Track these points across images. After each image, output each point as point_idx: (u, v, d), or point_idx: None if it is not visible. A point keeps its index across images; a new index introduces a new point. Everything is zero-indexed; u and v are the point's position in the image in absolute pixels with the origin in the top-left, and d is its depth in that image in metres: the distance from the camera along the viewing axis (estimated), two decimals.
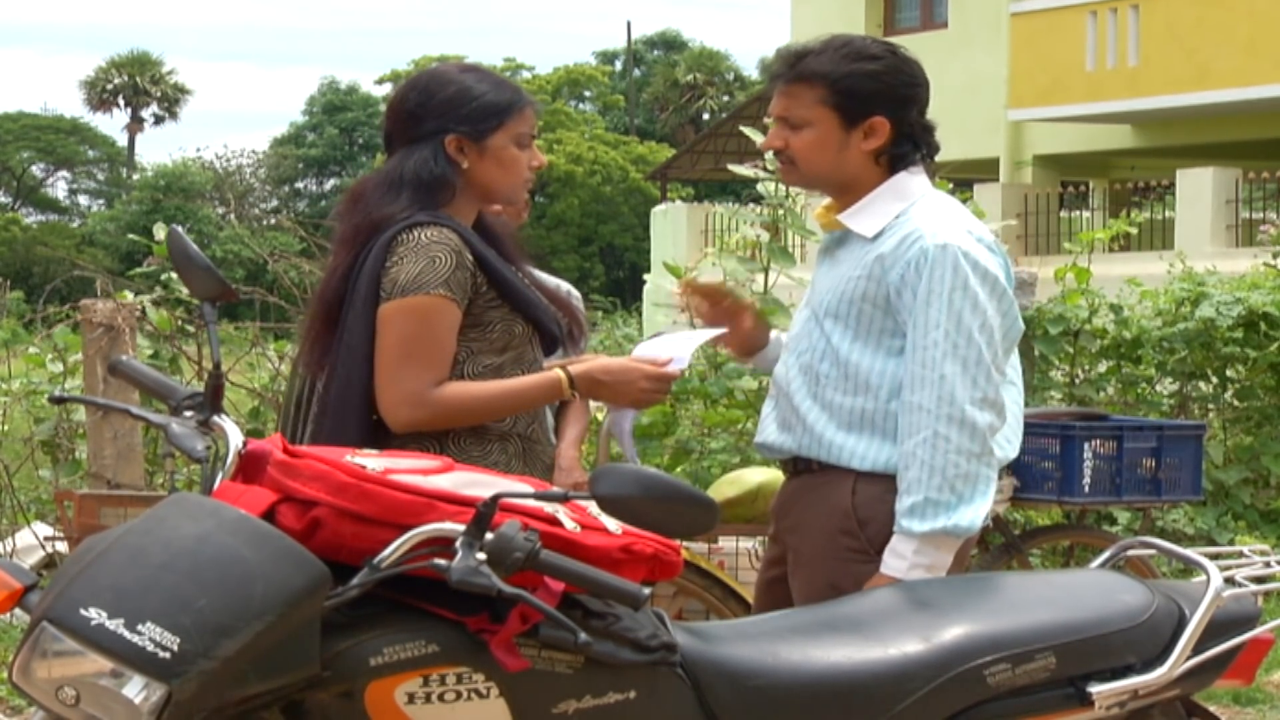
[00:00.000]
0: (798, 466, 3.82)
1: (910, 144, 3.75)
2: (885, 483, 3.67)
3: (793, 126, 3.78)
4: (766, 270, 8.98)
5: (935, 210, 3.73)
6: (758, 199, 8.91)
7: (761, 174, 8.82)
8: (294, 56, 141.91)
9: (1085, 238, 9.08)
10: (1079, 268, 8.92)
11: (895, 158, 3.75)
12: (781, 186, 8.80)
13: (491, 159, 3.75)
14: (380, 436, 3.65)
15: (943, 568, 3.61)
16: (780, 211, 8.89)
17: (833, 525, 3.71)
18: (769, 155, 8.87)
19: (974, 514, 3.59)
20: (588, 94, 62.82)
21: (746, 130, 9.38)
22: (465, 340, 3.69)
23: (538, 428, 3.83)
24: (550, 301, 3.86)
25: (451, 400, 3.64)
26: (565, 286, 5.24)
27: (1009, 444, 3.85)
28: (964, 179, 24.89)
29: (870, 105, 3.71)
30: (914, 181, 3.77)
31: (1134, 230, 9.80)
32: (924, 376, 3.60)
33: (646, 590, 2.78)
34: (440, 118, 3.73)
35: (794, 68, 3.76)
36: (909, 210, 3.72)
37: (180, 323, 8.53)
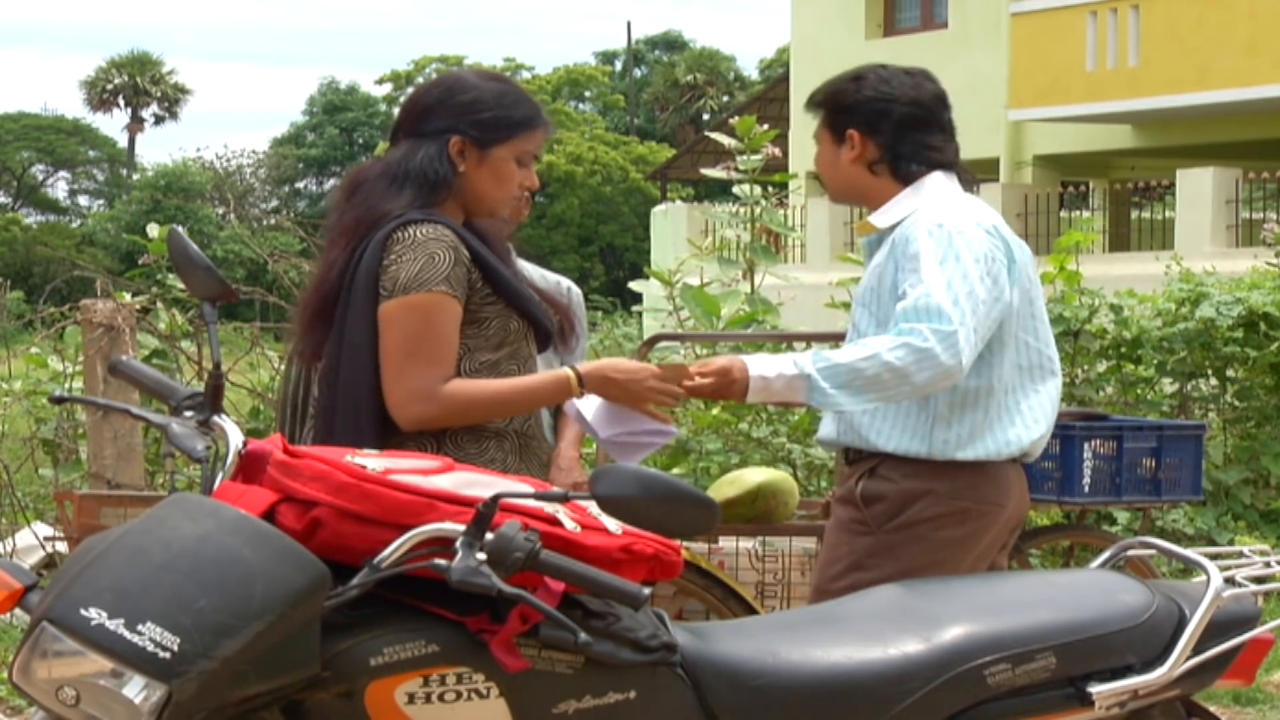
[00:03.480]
0: (848, 455, 4.11)
1: (895, 155, 4.06)
2: (903, 466, 3.95)
3: (818, 147, 4.21)
4: (752, 269, 8.98)
5: (942, 201, 4.00)
6: (736, 199, 8.95)
7: (734, 175, 8.82)
8: (294, 56, 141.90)
9: (1062, 243, 9.08)
10: (1068, 272, 8.92)
11: (893, 168, 4.08)
12: (757, 187, 8.83)
13: (489, 169, 3.77)
14: (392, 435, 3.66)
15: (773, 398, 3.87)
16: (758, 210, 8.90)
17: (846, 498, 4.04)
18: (740, 158, 8.94)
19: (844, 404, 3.80)
20: (588, 94, 62.83)
21: (714, 135, 9.41)
22: (463, 337, 3.69)
23: (534, 424, 3.84)
24: (544, 299, 3.87)
25: (460, 396, 3.64)
26: (565, 283, 5.24)
27: (1032, 428, 4.02)
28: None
29: (846, 120, 4.10)
30: (935, 183, 4.06)
31: (1095, 236, 9.82)
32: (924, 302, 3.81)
33: (646, 590, 2.78)
34: (452, 117, 3.75)
35: (813, 99, 4.19)
36: (922, 205, 4.01)
37: (181, 323, 8.53)
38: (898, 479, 3.96)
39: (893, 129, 4.06)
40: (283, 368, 8.40)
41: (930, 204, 3.99)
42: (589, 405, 3.89)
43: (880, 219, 4.07)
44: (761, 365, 3.83)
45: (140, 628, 2.61)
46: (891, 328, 3.82)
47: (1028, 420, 4.02)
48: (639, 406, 3.79)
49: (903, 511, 3.95)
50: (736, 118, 9.10)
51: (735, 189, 8.94)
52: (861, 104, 4.08)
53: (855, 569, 3.98)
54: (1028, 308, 4.01)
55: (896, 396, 3.83)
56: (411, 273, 3.62)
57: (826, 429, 4.16)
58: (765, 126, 9.10)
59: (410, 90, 4.00)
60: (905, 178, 4.05)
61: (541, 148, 3.87)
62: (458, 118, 3.75)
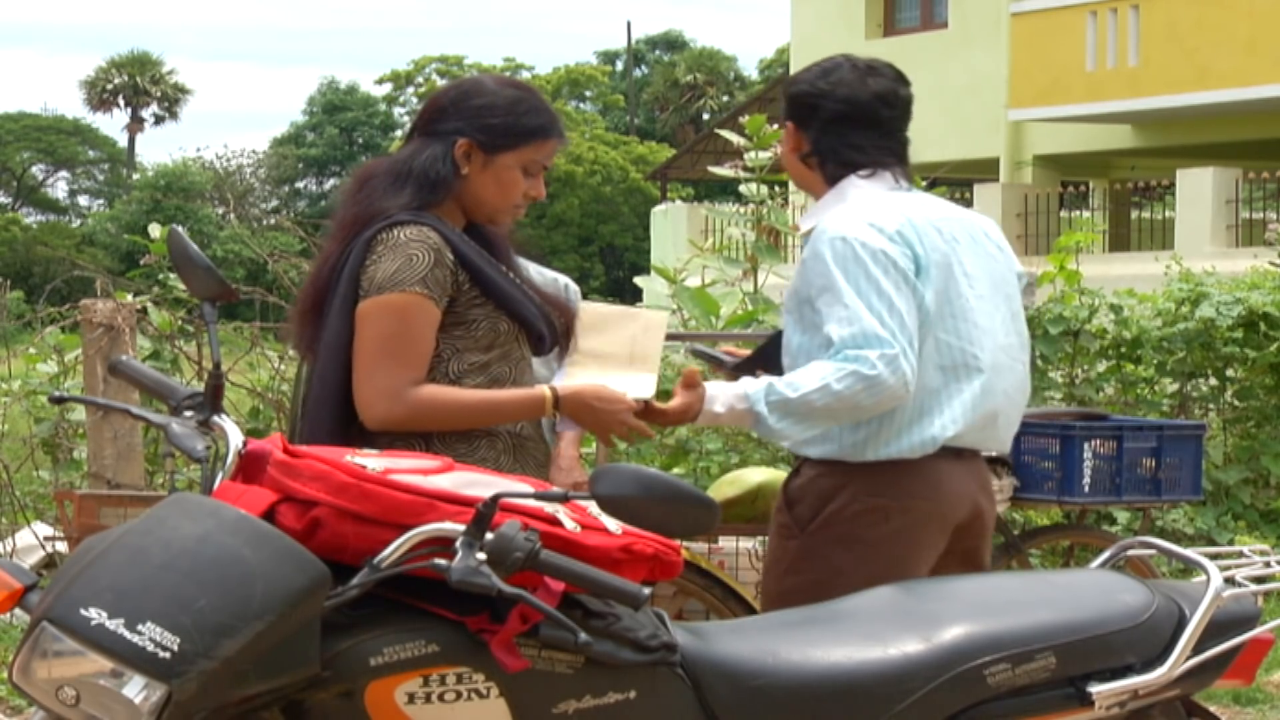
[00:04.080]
0: (795, 458, 4.09)
1: (818, 151, 4.06)
2: (820, 467, 3.95)
3: None
4: (755, 269, 8.97)
5: (848, 207, 3.97)
6: (741, 199, 8.96)
7: (741, 174, 8.82)
8: (294, 56, 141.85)
9: (1063, 243, 9.08)
10: (1068, 271, 8.91)
11: (820, 164, 4.07)
12: (764, 186, 8.84)
13: (492, 175, 3.78)
14: (356, 436, 3.67)
15: (719, 421, 3.92)
16: (764, 210, 8.89)
17: (779, 504, 4.06)
18: (748, 157, 8.95)
19: (791, 434, 3.87)
20: (588, 94, 62.84)
21: (723, 133, 9.42)
22: (450, 338, 3.71)
23: (528, 426, 3.83)
24: (545, 300, 3.87)
25: (429, 401, 3.65)
26: (563, 280, 5.24)
27: (949, 427, 3.93)
28: (964, 179, 24.90)
29: (786, 111, 4.13)
30: (857, 187, 4.03)
31: (1095, 236, 9.80)
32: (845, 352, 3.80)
33: (646, 590, 2.78)
34: (462, 120, 3.77)
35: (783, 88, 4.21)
36: (832, 214, 3.99)
37: (180, 323, 8.53)
38: (814, 480, 3.96)
39: (820, 125, 4.04)
40: (283, 368, 8.43)
41: (838, 213, 3.96)
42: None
43: (804, 224, 4.09)
44: (713, 400, 3.83)
45: (140, 627, 2.61)
46: (834, 354, 3.79)
47: (945, 420, 3.92)
48: (604, 435, 3.83)
49: (820, 512, 3.94)
50: (745, 116, 9.09)
51: (741, 188, 8.94)
52: (797, 96, 4.09)
53: (788, 573, 3.99)
54: (946, 307, 3.94)
55: (845, 420, 3.84)
56: (388, 273, 3.64)
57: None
58: (775, 127, 9.09)
59: (421, 90, 4.06)
60: (829, 177, 4.05)
61: (552, 159, 3.87)
62: (467, 121, 3.77)
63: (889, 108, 4.05)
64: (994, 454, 6.40)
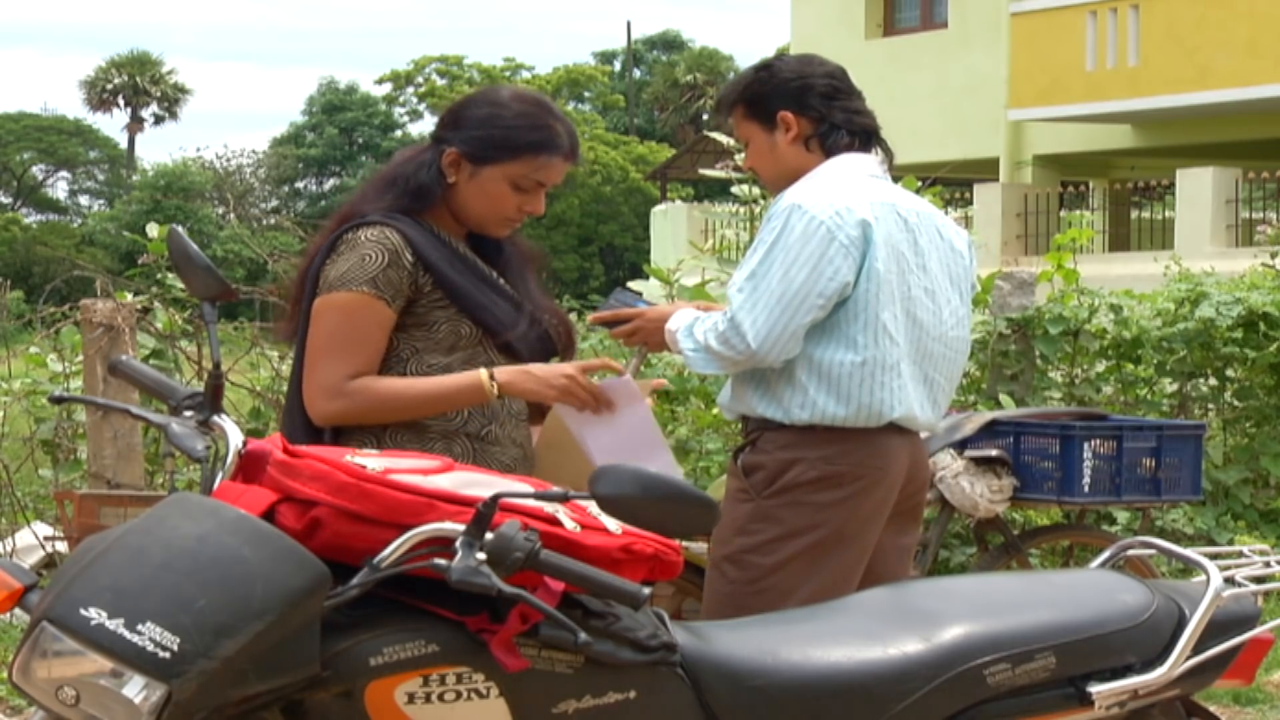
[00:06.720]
0: (745, 425, 4.26)
1: (830, 126, 4.19)
2: (778, 438, 4.09)
3: (746, 148, 4.34)
4: None
5: (815, 180, 4.13)
6: (735, 199, 8.96)
7: (733, 174, 8.84)
8: (294, 56, 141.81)
9: (1060, 241, 9.07)
10: (1066, 270, 8.91)
11: (823, 139, 4.19)
12: (755, 187, 8.86)
13: (477, 186, 3.80)
14: (329, 435, 3.69)
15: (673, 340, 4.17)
16: (756, 209, 8.91)
17: (732, 470, 4.23)
18: (739, 156, 8.97)
19: (692, 363, 4.13)
20: (587, 94, 62.84)
21: (712, 135, 9.43)
22: (410, 339, 3.75)
23: (496, 429, 3.83)
24: (544, 310, 3.89)
25: (367, 393, 3.68)
26: None
27: (897, 407, 4.09)
28: (964, 179, 24.89)
29: (772, 104, 4.21)
30: (838, 164, 4.17)
31: (1091, 233, 9.75)
32: (732, 295, 4.06)
33: (646, 590, 2.78)
34: (459, 129, 3.80)
35: (723, 102, 4.33)
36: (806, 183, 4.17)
37: (181, 323, 8.52)
38: (772, 450, 4.11)
39: (820, 100, 4.19)
40: (283, 368, 8.43)
41: (808, 185, 4.12)
42: (592, 436, 3.93)
43: (785, 196, 4.20)
44: (673, 321, 4.16)
45: (140, 627, 2.61)
46: (726, 314, 4.05)
47: (894, 401, 4.09)
48: (548, 397, 3.82)
49: (779, 478, 4.10)
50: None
51: (734, 189, 8.94)
52: (782, 85, 4.21)
53: (740, 534, 4.14)
54: (899, 288, 4.09)
55: (722, 369, 4.08)
56: (340, 271, 3.71)
57: (720, 397, 4.36)
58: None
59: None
60: (830, 149, 4.19)
61: (552, 177, 3.85)
62: (461, 131, 3.80)
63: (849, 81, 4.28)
64: (994, 454, 6.42)
